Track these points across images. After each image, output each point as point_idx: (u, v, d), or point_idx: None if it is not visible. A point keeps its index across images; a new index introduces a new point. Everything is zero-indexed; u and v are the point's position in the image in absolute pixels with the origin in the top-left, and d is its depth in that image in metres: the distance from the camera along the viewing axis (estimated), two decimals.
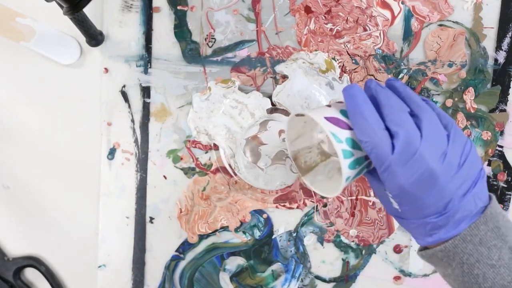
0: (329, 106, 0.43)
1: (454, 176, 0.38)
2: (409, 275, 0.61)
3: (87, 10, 0.52)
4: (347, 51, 0.58)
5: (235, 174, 0.60)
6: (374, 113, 0.39)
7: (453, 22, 0.57)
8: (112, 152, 0.61)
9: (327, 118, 0.40)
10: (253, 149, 0.56)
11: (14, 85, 0.61)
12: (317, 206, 0.60)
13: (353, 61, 0.58)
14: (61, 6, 0.51)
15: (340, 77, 0.57)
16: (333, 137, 0.39)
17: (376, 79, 0.58)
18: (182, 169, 0.61)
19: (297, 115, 0.45)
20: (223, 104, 0.58)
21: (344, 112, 0.41)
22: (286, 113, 0.57)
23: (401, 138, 0.38)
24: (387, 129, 0.39)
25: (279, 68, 0.57)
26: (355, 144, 0.40)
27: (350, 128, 0.40)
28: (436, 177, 0.38)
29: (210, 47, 0.59)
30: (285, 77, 0.58)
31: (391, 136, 0.38)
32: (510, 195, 0.59)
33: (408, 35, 0.58)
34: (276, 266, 0.62)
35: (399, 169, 0.38)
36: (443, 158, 0.38)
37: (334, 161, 0.48)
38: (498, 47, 0.57)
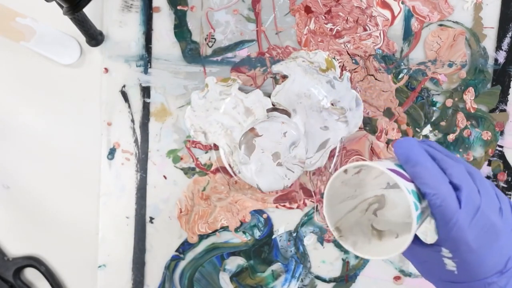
0: (385, 160, 0.41)
1: (511, 232, 0.38)
2: (409, 275, 0.61)
3: (87, 10, 0.52)
4: (347, 51, 0.58)
5: (235, 174, 0.60)
6: (435, 166, 0.38)
7: (453, 22, 0.57)
8: (112, 152, 0.61)
9: (392, 170, 0.38)
10: (248, 141, 0.56)
11: (14, 85, 0.61)
12: (317, 206, 0.60)
13: (353, 61, 0.58)
14: (61, 6, 0.51)
15: (340, 76, 0.57)
16: (406, 189, 0.36)
17: (376, 79, 0.58)
18: (182, 169, 0.61)
19: (348, 169, 0.40)
20: (219, 101, 0.58)
21: (399, 166, 0.39)
22: (286, 112, 0.57)
23: (465, 193, 0.37)
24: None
25: (277, 68, 0.57)
26: (418, 198, 0.38)
27: (411, 181, 0.38)
28: (498, 232, 0.37)
29: (210, 47, 0.59)
30: (285, 77, 0.58)
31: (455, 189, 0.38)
32: (510, 195, 0.59)
33: (408, 35, 0.58)
34: (276, 266, 0.62)
35: (466, 224, 0.36)
36: (501, 213, 0.38)
37: (375, 220, 0.44)
38: (498, 47, 0.57)
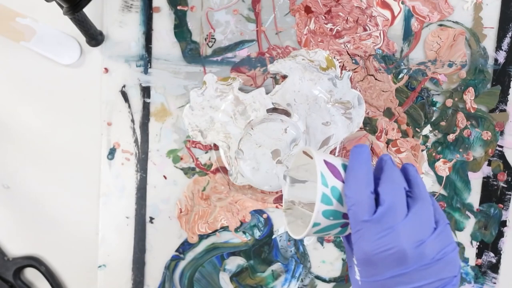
0: (336, 157, 0.42)
1: (426, 267, 0.37)
2: None
3: (87, 10, 0.52)
4: (347, 51, 0.58)
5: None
6: (368, 174, 0.38)
7: (453, 22, 0.57)
8: (112, 152, 0.61)
9: (326, 162, 0.39)
10: (245, 137, 0.56)
11: (14, 85, 0.61)
12: None
13: (353, 61, 0.58)
14: (61, 6, 0.51)
15: (340, 76, 0.57)
16: (321, 177, 0.38)
17: (376, 79, 0.58)
18: (182, 169, 0.61)
19: (304, 152, 0.43)
20: (215, 98, 0.58)
21: (344, 166, 0.40)
22: (285, 113, 0.57)
23: (385, 206, 0.36)
24: (377, 195, 0.38)
25: (274, 67, 0.57)
26: (340, 198, 0.39)
27: (343, 182, 0.39)
28: (405, 259, 0.36)
29: (210, 47, 0.59)
30: (285, 77, 0.58)
31: (378, 203, 0.37)
32: (510, 195, 0.59)
33: (408, 35, 0.58)
34: (276, 266, 0.62)
35: (370, 236, 0.36)
36: (419, 244, 0.36)
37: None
38: (498, 47, 0.57)
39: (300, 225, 0.44)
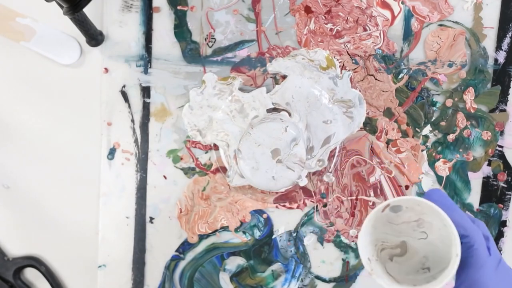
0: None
1: None
2: None
3: (87, 10, 0.52)
4: (347, 51, 0.58)
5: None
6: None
7: (453, 22, 0.57)
8: (112, 152, 0.61)
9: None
10: (244, 136, 0.56)
11: (14, 85, 0.61)
12: (317, 206, 0.60)
13: (353, 61, 0.58)
14: (61, 6, 0.51)
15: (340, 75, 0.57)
16: (455, 230, 0.39)
17: (376, 79, 0.58)
18: (182, 169, 0.61)
19: (391, 204, 0.42)
20: (213, 96, 0.58)
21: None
22: (286, 112, 0.57)
23: (492, 243, 0.40)
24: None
25: (272, 67, 0.57)
26: None
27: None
28: None
29: (210, 47, 0.59)
30: (285, 77, 0.58)
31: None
32: (510, 195, 0.59)
33: (408, 35, 0.58)
34: (276, 266, 0.62)
35: (492, 272, 0.39)
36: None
37: (387, 263, 0.45)
38: (498, 47, 0.57)
39: (387, 281, 0.42)
